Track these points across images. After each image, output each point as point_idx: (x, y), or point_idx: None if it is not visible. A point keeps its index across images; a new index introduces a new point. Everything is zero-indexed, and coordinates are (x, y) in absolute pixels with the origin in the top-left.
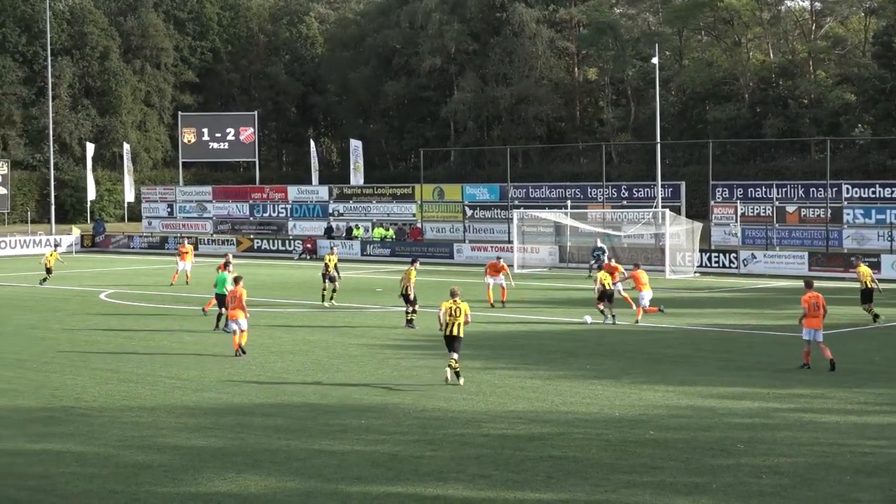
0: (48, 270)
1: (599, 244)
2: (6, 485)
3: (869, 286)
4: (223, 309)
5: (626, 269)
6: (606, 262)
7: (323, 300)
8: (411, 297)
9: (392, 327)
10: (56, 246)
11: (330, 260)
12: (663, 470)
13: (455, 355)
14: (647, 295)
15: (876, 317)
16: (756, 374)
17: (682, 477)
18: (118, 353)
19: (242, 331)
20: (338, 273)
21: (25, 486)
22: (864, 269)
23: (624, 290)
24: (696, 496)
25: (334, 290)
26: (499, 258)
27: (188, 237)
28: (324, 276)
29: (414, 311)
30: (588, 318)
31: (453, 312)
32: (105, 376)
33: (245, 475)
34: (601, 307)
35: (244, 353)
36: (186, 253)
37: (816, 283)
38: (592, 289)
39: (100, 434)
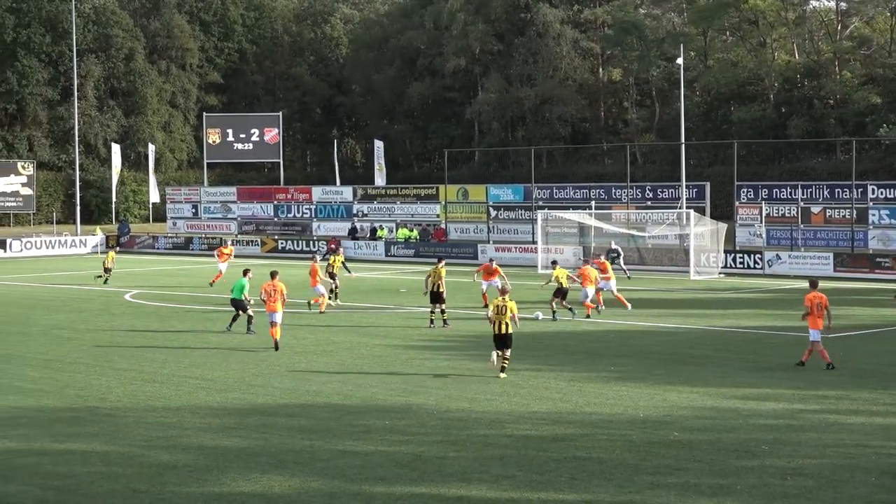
0: (107, 270)
1: (614, 245)
2: (32, 484)
3: None
4: (240, 311)
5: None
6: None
7: (335, 298)
8: (443, 294)
9: (416, 328)
10: (113, 246)
11: (335, 261)
12: (687, 471)
13: (507, 352)
14: (590, 292)
15: None
16: (780, 376)
17: (706, 478)
18: (143, 354)
19: (277, 324)
20: (346, 269)
21: (51, 485)
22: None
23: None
24: (721, 498)
25: (336, 287)
26: (491, 260)
27: (229, 239)
28: (331, 275)
29: (443, 311)
30: (539, 315)
31: (501, 310)
32: (130, 376)
33: (269, 475)
34: (553, 304)
35: (277, 348)
36: (227, 255)
37: (842, 285)
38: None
39: (124, 434)
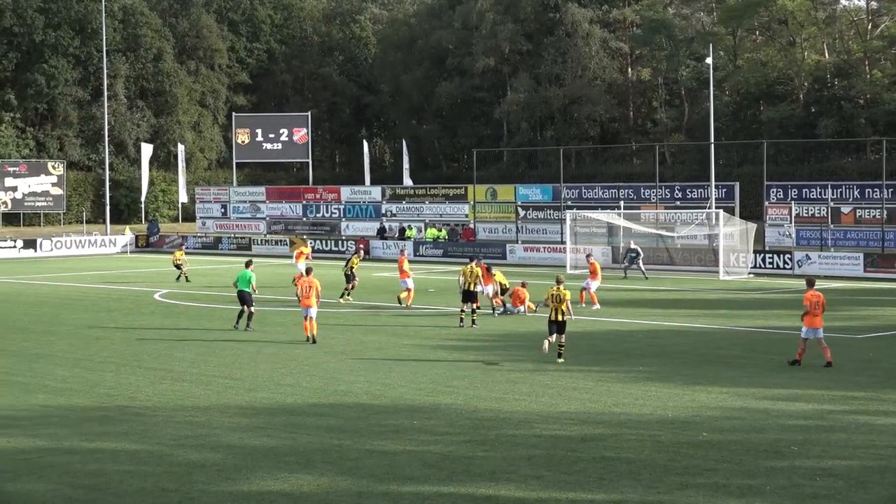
0: (178, 267)
1: (633, 245)
2: (62, 483)
3: None
4: (244, 307)
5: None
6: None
7: (347, 295)
8: (477, 294)
9: (444, 327)
10: (180, 246)
11: (355, 261)
12: (716, 472)
13: (562, 338)
14: (489, 289)
15: None
16: (810, 376)
17: (735, 479)
18: (172, 353)
19: (312, 318)
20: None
21: (81, 484)
22: None
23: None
24: (750, 498)
25: (353, 288)
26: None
27: (305, 236)
28: (348, 276)
29: (474, 311)
30: (496, 312)
31: (557, 299)
32: (159, 376)
33: (297, 475)
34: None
35: (314, 341)
36: (306, 254)
37: (872, 285)
38: (643, 289)
39: (154, 433)
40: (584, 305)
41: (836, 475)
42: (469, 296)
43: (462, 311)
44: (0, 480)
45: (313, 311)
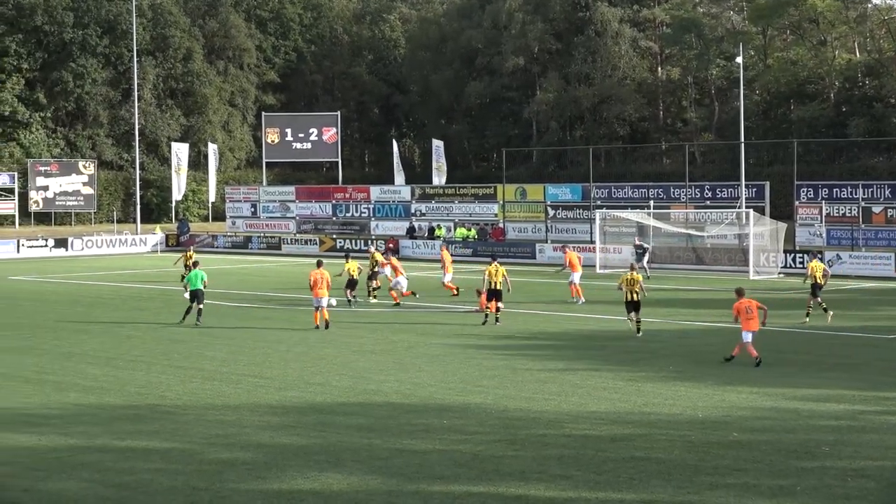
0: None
1: (638, 241)
2: (93, 481)
3: (819, 281)
4: (195, 303)
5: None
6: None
7: (369, 296)
8: (508, 290)
9: (474, 326)
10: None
11: (374, 258)
12: (747, 472)
13: (639, 314)
14: (447, 278)
15: (825, 309)
16: (841, 376)
17: (765, 479)
18: (202, 352)
19: (323, 308)
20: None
21: (112, 482)
22: (815, 265)
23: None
24: (780, 499)
25: (377, 288)
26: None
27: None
28: (371, 275)
29: (498, 309)
30: (333, 301)
31: (631, 283)
32: (189, 374)
33: (327, 473)
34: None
35: (327, 327)
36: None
37: None
38: (672, 289)
39: (184, 432)
40: (576, 300)
41: (868, 476)
42: (494, 294)
43: (487, 307)
44: (32, 479)
45: (324, 301)
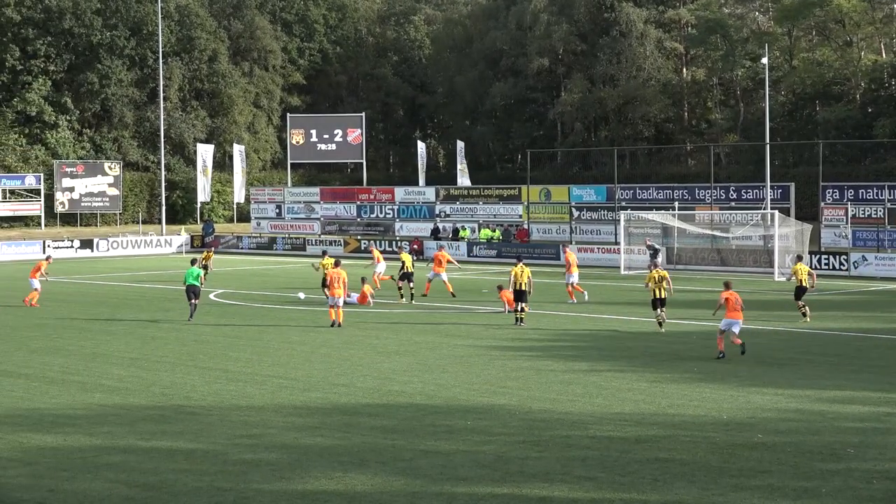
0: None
1: (648, 242)
2: (118, 482)
3: (804, 284)
4: (194, 299)
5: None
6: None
7: (401, 298)
8: (527, 293)
9: (498, 328)
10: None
11: (408, 259)
12: (771, 474)
13: (665, 310)
14: (379, 268)
15: (804, 314)
16: (866, 378)
17: (790, 481)
18: (227, 353)
19: (339, 307)
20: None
21: (136, 483)
22: (800, 267)
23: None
24: (805, 500)
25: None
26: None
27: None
28: (404, 275)
29: (522, 310)
30: (301, 295)
31: (657, 279)
32: (214, 375)
33: (352, 474)
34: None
35: (339, 325)
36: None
37: None
38: (696, 290)
39: (209, 432)
40: (574, 301)
41: (894, 478)
42: (520, 295)
43: (515, 310)
44: (58, 479)
45: (340, 300)
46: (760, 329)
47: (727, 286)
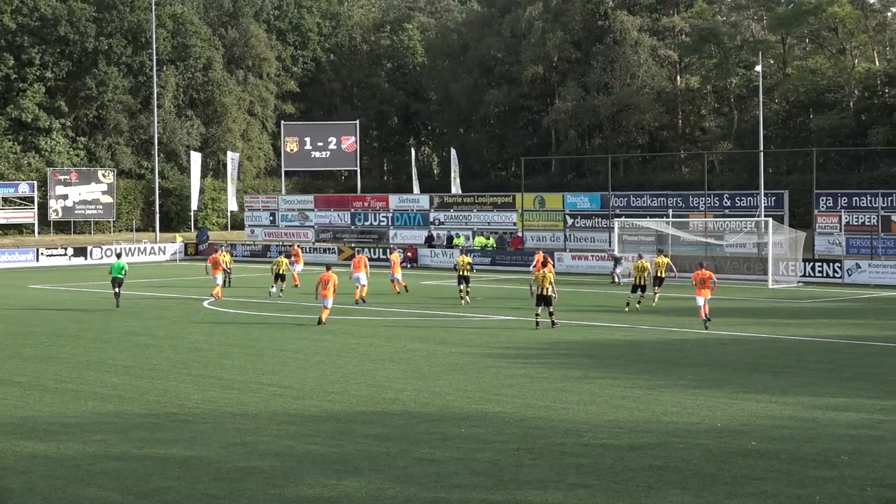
0: (226, 272)
1: (610, 252)
2: (112, 489)
3: (661, 274)
4: (117, 288)
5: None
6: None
7: (461, 299)
8: (554, 297)
9: (492, 335)
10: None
11: (463, 261)
12: (765, 481)
13: (641, 294)
14: (298, 267)
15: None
16: (860, 385)
17: (784, 488)
18: (220, 361)
19: (328, 308)
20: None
21: (130, 490)
22: (660, 260)
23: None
24: None
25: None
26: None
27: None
28: (461, 278)
29: (550, 313)
30: (273, 289)
31: (639, 268)
32: (208, 383)
33: (345, 482)
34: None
35: (320, 323)
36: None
37: None
38: (690, 297)
39: (202, 440)
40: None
41: (887, 485)
42: (543, 299)
43: (537, 314)
44: (51, 487)
45: (329, 302)
46: (755, 336)
47: (700, 265)
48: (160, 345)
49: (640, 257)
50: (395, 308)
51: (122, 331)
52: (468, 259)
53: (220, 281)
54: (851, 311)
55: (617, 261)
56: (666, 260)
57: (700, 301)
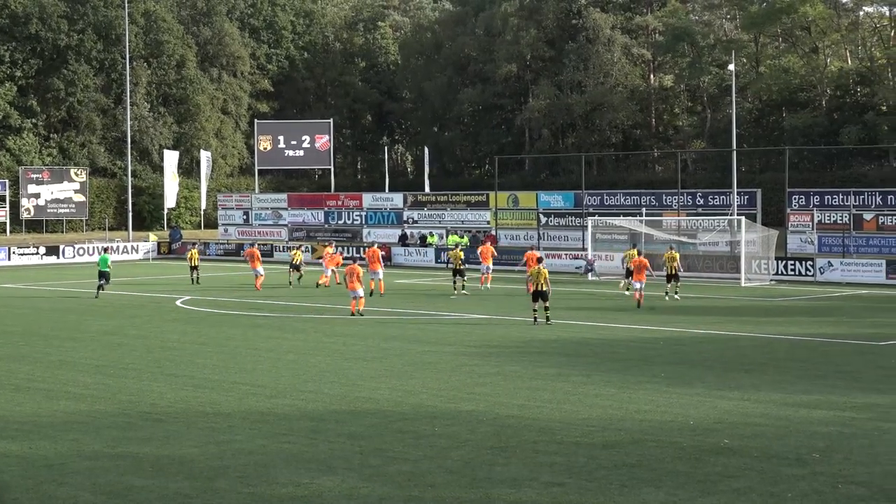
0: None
1: (590, 257)
2: (84, 489)
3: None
4: (103, 281)
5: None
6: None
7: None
8: (547, 293)
9: (466, 334)
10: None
11: (456, 255)
12: (738, 479)
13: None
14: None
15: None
16: (832, 383)
17: (756, 486)
18: (193, 360)
19: (359, 297)
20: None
21: (102, 490)
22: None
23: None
24: None
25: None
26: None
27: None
28: (455, 271)
29: (546, 308)
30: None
31: (639, 269)
32: (180, 382)
33: (319, 481)
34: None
35: (361, 314)
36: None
37: (894, 292)
38: (662, 296)
39: (175, 439)
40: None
41: (859, 482)
42: (539, 295)
43: (534, 310)
44: (23, 487)
45: (360, 292)
46: (728, 335)
47: (638, 253)
48: (133, 344)
49: (634, 246)
50: (368, 307)
51: (94, 330)
52: (461, 254)
53: (262, 272)
54: (824, 309)
55: (591, 268)
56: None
57: (637, 286)
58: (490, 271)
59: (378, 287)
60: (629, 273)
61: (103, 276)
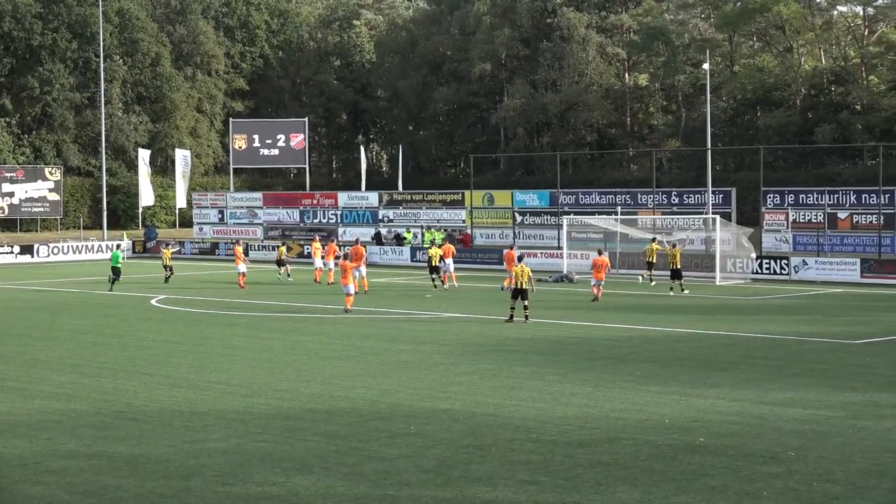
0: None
1: (566, 272)
2: (59, 488)
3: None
4: (115, 276)
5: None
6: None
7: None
8: (528, 291)
9: (441, 332)
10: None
11: (435, 253)
12: (713, 477)
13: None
14: (361, 271)
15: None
16: (807, 382)
17: (732, 484)
18: (168, 359)
19: (351, 294)
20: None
21: (78, 490)
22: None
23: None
24: (746, 503)
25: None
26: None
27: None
28: (433, 268)
29: (525, 307)
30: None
31: (650, 252)
32: (156, 381)
33: (294, 480)
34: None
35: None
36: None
37: (869, 291)
38: (639, 294)
39: (150, 438)
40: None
41: (834, 480)
42: (520, 293)
43: (512, 308)
44: None
45: (351, 288)
46: (702, 333)
47: (599, 253)
48: (108, 343)
49: (654, 240)
50: (344, 306)
51: (69, 329)
52: (440, 252)
53: (331, 266)
54: (798, 307)
55: (570, 280)
56: (658, 248)
57: (593, 282)
58: (451, 269)
59: (362, 284)
60: (650, 266)
61: (115, 271)
